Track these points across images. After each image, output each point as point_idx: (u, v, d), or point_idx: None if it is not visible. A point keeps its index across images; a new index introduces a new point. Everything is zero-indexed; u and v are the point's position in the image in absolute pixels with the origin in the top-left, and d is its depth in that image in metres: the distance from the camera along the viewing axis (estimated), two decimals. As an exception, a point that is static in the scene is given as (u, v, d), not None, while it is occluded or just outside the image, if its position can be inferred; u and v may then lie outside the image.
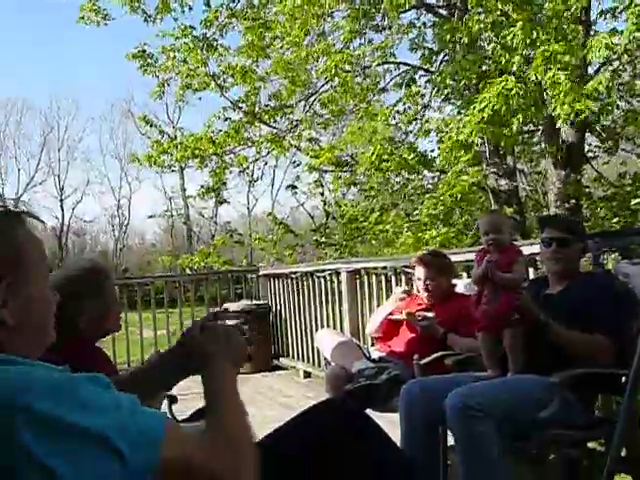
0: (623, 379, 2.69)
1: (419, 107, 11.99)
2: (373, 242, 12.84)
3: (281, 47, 11.49)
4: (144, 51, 12.13)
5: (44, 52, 47.74)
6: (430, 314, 3.93)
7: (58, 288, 1.51)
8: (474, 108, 8.39)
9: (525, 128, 11.23)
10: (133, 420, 1.19)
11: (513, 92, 7.96)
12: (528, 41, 7.97)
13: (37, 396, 1.12)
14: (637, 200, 8.14)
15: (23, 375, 1.18)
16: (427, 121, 10.76)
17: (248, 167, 13.37)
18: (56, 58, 48.80)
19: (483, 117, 8.18)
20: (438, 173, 11.16)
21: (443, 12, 11.01)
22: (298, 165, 14.02)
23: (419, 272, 4.12)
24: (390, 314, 4.19)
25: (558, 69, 7.73)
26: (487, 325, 3.04)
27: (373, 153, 10.36)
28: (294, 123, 12.51)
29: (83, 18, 11.67)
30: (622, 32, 8.09)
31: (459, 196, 9.65)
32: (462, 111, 9.78)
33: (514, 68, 8.39)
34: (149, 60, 12.13)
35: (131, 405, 1.23)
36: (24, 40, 46.50)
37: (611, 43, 7.78)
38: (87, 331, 2.35)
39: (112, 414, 1.18)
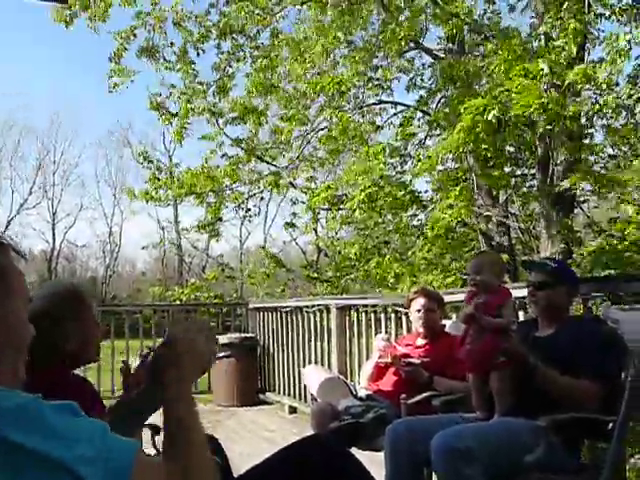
0: (610, 425, 2.67)
1: (414, 145, 12.11)
2: (364, 280, 12.86)
3: (284, 80, 11.67)
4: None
5: (46, 76, 48.00)
6: (415, 360, 3.93)
7: (36, 312, 1.50)
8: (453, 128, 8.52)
9: (518, 172, 11.37)
10: (102, 449, 1.19)
11: (488, 111, 8.04)
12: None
13: (3, 422, 1.13)
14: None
15: None
16: (419, 160, 10.84)
17: (244, 202, 13.42)
18: (58, 83, 48.99)
19: (464, 129, 8.27)
20: (430, 209, 11.22)
21: (441, 55, 11.16)
22: (295, 203, 14.11)
23: (419, 303, 4.12)
24: (378, 359, 4.16)
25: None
26: (471, 365, 3.04)
27: (362, 191, 10.45)
28: (292, 160, 12.61)
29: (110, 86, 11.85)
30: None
31: (445, 234, 9.71)
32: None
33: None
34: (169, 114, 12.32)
35: (101, 434, 1.22)
36: (33, 60, 46.91)
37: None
38: (67, 358, 2.29)
39: (80, 443, 1.17)
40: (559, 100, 7.87)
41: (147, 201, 13.07)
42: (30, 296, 1.51)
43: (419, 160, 10.76)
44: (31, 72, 47.80)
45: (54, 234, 36.12)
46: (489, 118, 7.97)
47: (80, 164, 43.21)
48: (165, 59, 11.94)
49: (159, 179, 13.06)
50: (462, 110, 8.37)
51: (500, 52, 8.53)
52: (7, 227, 33.38)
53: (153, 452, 2.62)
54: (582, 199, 10.39)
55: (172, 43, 11.87)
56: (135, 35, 11.55)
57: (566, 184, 8.70)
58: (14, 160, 35.99)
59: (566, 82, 7.79)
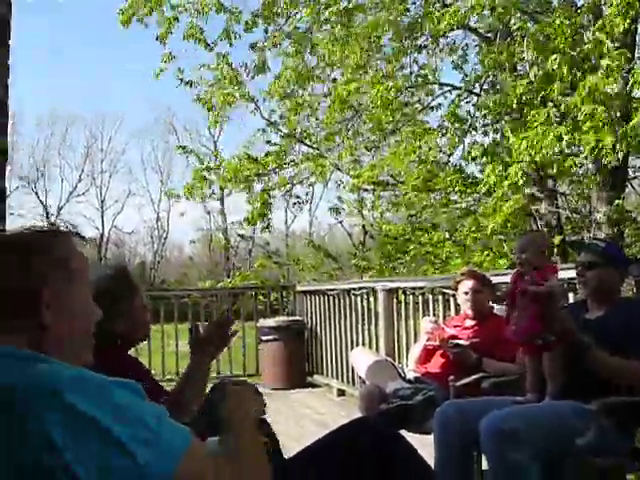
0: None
1: (464, 128, 11.96)
2: (413, 264, 12.81)
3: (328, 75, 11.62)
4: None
5: (91, 68, 48.63)
6: (463, 342, 3.91)
7: None
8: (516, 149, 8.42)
9: (567, 150, 11.15)
10: (158, 432, 1.23)
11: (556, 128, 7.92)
12: (565, 71, 7.92)
13: (68, 387, 1.19)
14: None
15: (57, 368, 1.25)
16: (473, 144, 10.70)
17: (292, 189, 13.40)
18: (103, 72, 49.68)
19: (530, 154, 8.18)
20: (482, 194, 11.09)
21: (488, 35, 10.98)
22: (339, 185, 14.04)
23: (466, 285, 4.10)
24: (426, 341, 4.15)
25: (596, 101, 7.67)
26: (519, 341, 3.02)
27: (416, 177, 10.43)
28: (337, 144, 12.55)
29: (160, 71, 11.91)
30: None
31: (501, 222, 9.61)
32: (507, 134, 9.73)
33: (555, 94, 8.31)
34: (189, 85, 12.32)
35: (159, 417, 1.27)
36: (72, 56, 47.56)
37: None
38: (120, 339, 2.37)
39: (137, 423, 1.22)
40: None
41: (190, 196, 13.13)
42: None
43: (473, 144, 10.66)
44: (73, 61, 48.48)
45: (103, 221, 36.82)
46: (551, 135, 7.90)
47: (127, 151, 43.97)
48: (207, 44, 11.92)
49: (204, 176, 13.07)
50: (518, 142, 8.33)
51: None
52: (58, 215, 34.14)
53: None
54: (634, 176, 10.17)
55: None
56: (178, 19, 11.57)
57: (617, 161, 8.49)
58: (62, 149, 36.76)
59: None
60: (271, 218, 13.36)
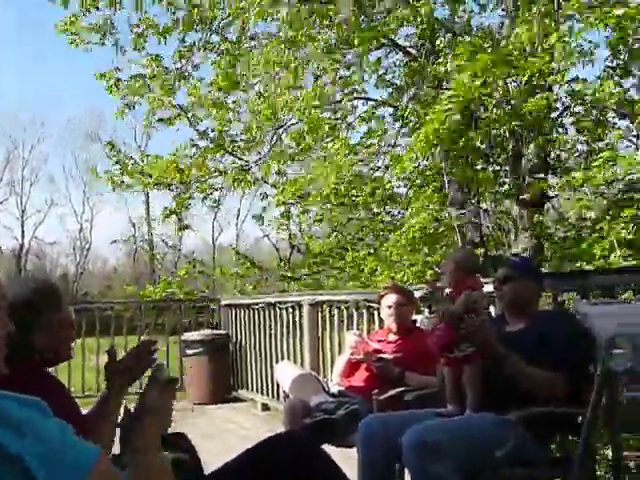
0: (579, 418, 2.70)
1: (383, 144, 12.13)
2: (339, 277, 12.89)
3: (253, 77, 11.58)
4: (117, 74, 12.07)
5: (15, 69, 47.31)
6: (386, 355, 3.94)
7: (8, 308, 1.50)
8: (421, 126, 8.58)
9: (490, 168, 11.44)
10: (61, 450, 1.18)
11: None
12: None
13: None
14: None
15: None
16: (392, 158, 10.88)
17: (212, 193, 13.34)
18: (26, 76, 48.38)
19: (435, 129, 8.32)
20: (404, 209, 11.24)
21: (412, 51, 11.17)
22: (265, 197, 14.01)
23: (390, 299, 4.13)
24: (350, 356, 4.17)
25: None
26: (437, 353, 3.07)
27: (333, 187, 10.51)
28: (262, 154, 12.54)
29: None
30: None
31: (421, 234, 9.77)
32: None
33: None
34: (117, 83, 12.04)
35: (62, 433, 1.22)
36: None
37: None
38: (39, 356, 2.27)
39: (40, 441, 1.17)
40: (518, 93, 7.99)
41: (113, 185, 12.90)
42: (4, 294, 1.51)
43: (392, 159, 10.81)
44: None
45: (23, 231, 35.77)
46: (458, 118, 8.03)
47: (49, 160, 42.74)
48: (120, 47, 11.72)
49: (127, 165, 12.86)
50: (425, 114, 8.46)
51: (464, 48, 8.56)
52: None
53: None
54: (552, 195, 10.48)
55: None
56: (89, 11, 11.28)
57: (534, 181, 8.79)
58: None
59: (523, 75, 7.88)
60: (186, 217, 13.33)
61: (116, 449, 2.44)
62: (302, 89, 11.10)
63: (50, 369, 2.46)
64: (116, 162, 12.87)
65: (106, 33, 11.49)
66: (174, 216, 13.56)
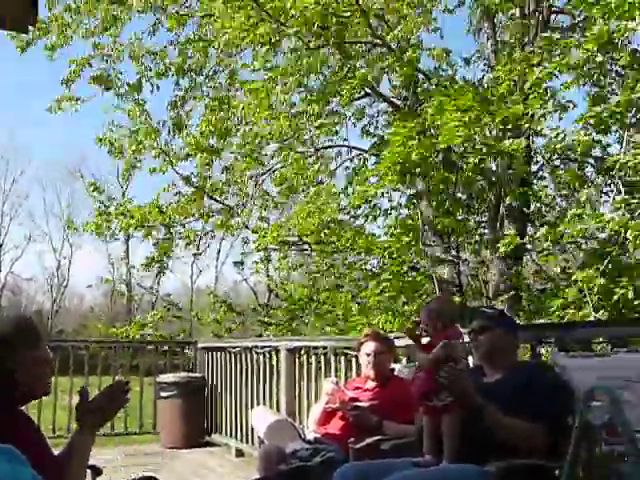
0: (557, 471, 2.69)
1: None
2: (317, 323, 12.84)
3: (239, 123, 11.69)
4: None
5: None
6: (363, 404, 3.92)
7: None
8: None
9: (470, 219, 11.55)
10: None
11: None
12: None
13: None
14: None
15: None
16: (374, 205, 11.00)
17: (195, 240, 13.31)
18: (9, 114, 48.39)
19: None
20: (385, 257, 11.29)
21: (396, 102, 11.34)
22: (246, 243, 14.02)
23: (369, 347, 4.12)
24: (326, 404, 4.14)
25: None
26: (416, 402, 3.06)
27: (313, 233, 10.58)
28: (244, 199, 12.59)
29: (54, 108, 11.67)
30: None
31: (398, 283, 9.83)
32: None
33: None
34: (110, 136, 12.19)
35: None
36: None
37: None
38: (15, 394, 2.24)
39: None
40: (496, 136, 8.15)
41: (94, 233, 12.87)
42: None
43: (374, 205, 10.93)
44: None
45: (0, 265, 35.38)
46: (413, 157, 8.20)
47: (30, 195, 42.51)
48: (118, 93, 11.90)
49: (109, 212, 12.87)
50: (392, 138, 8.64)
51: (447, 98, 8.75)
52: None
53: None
54: (530, 247, 10.58)
55: (120, 74, 11.81)
56: (90, 65, 11.51)
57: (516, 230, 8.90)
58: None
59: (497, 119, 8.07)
60: (167, 263, 13.27)
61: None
62: (285, 133, 11.20)
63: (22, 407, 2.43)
64: (99, 214, 12.85)
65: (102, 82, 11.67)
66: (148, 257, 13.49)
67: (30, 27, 2.61)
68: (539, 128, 8.61)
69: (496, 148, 8.39)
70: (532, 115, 8.18)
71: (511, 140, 8.32)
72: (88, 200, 16.40)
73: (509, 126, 8.55)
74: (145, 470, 3.01)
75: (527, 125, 8.42)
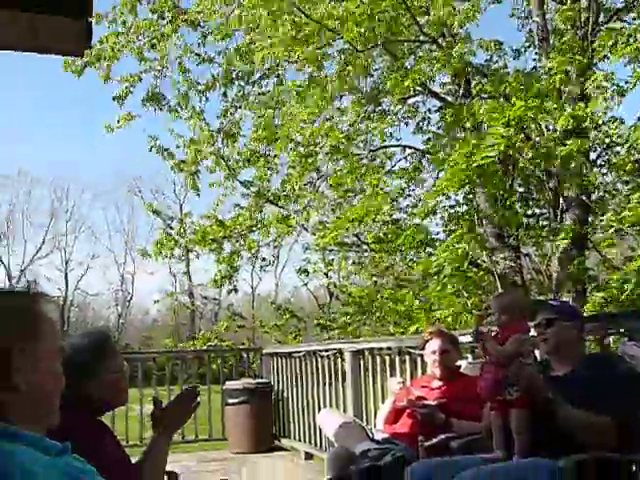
0: (633, 466, 2.64)
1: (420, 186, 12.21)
2: (377, 324, 12.83)
3: (289, 127, 11.76)
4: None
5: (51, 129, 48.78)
6: (430, 402, 3.89)
7: (64, 361, 1.53)
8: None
9: (529, 212, 11.39)
10: None
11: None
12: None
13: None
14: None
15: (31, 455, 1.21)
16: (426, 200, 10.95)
17: (258, 251, 13.39)
18: (63, 132, 49.82)
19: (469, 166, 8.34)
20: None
21: (448, 98, 11.27)
22: (307, 248, 14.07)
23: (434, 344, 4.10)
24: (393, 404, 4.14)
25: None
26: (484, 398, 3.04)
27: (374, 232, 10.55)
28: (303, 205, 12.64)
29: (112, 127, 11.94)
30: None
31: (459, 272, 9.72)
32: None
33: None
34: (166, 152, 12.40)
35: None
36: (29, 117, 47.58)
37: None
38: (94, 405, 2.32)
39: None
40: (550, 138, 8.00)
41: (161, 258, 13.05)
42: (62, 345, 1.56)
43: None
44: (32, 122, 48.49)
45: (67, 283, 36.39)
46: (480, 161, 8.06)
47: (92, 213, 43.64)
48: (170, 107, 12.09)
49: (171, 234, 13.06)
50: (455, 153, 8.50)
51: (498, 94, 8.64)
52: (20, 277, 33.69)
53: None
54: (596, 237, 10.38)
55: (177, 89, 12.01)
56: (141, 79, 11.74)
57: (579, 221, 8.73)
58: (26, 210, 36.51)
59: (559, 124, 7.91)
60: (237, 281, 13.33)
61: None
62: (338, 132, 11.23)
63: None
64: (167, 235, 13.03)
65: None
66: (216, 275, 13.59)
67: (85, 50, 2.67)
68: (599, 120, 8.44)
69: (553, 152, 8.22)
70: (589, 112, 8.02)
71: (571, 141, 8.14)
72: (147, 215, 16.72)
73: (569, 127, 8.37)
74: (217, 475, 3.06)
75: (588, 123, 8.24)
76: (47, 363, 1.42)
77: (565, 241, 8.49)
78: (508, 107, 8.09)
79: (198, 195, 12.77)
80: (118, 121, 11.78)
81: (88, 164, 49.19)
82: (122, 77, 11.65)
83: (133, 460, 2.41)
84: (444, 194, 9.08)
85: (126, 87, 11.63)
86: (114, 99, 11.69)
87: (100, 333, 2.53)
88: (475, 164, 8.12)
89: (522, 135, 8.24)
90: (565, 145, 8.21)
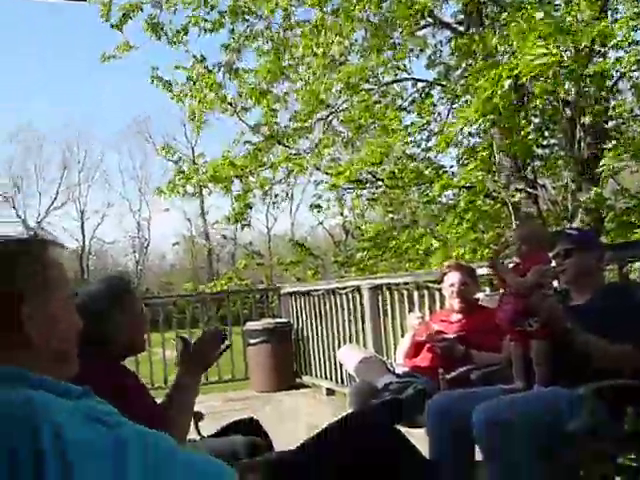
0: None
1: (435, 120, 12.03)
2: (394, 260, 12.86)
3: (298, 64, 11.57)
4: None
5: (58, 82, 48.46)
6: (450, 335, 3.91)
7: (81, 308, 1.53)
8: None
9: (544, 142, 11.24)
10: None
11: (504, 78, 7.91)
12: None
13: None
14: None
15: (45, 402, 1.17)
16: (440, 131, 10.78)
17: (271, 188, 13.35)
18: (71, 84, 49.47)
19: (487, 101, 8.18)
20: (458, 190, 11.12)
21: (460, 28, 11.03)
22: (318, 184, 13.97)
23: (452, 277, 4.10)
24: (412, 338, 4.16)
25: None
26: (506, 331, 3.05)
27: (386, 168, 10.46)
28: (314, 143, 12.53)
29: (108, 57, 11.72)
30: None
31: (474, 206, 9.67)
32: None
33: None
34: (166, 83, 12.18)
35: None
36: (38, 70, 47.27)
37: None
38: (114, 351, 2.33)
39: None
40: (577, 58, 7.79)
41: (175, 195, 13.09)
42: (75, 291, 1.54)
43: (440, 131, 10.70)
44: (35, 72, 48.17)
45: (83, 232, 36.66)
46: (505, 86, 7.86)
47: (104, 162, 43.69)
48: (170, 41, 11.85)
49: (184, 172, 13.05)
50: (477, 82, 8.30)
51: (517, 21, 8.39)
52: (37, 231, 33.95)
53: (197, 437, 2.67)
54: (612, 166, 10.27)
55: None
56: (142, 9, 11.45)
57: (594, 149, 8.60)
58: (39, 163, 36.58)
59: (583, 42, 7.68)
60: (251, 216, 13.38)
61: (191, 435, 2.50)
62: (350, 72, 11.05)
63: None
64: (179, 171, 13.03)
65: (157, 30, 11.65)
66: (230, 212, 13.62)
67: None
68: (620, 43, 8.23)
69: (577, 73, 8.03)
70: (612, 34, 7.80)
71: (597, 60, 7.95)
72: (159, 159, 16.69)
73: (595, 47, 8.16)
74: (242, 414, 3.10)
75: (612, 43, 8.04)
76: (59, 311, 1.39)
77: (581, 170, 8.39)
78: (539, 22, 7.87)
79: (198, 132, 12.65)
80: (117, 49, 11.53)
81: (98, 113, 49.16)
82: (120, 6, 11.36)
83: (159, 402, 2.43)
84: (468, 122, 8.88)
85: (124, 14, 11.35)
86: (112, 27, 11.42)
87: (118, 279, 2.51)
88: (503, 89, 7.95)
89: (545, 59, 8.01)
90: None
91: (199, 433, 2.72)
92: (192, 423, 2.48)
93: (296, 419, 6.21)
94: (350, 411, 2.40)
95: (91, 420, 1.18)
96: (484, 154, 9.97)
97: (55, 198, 36.37)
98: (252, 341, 7.94)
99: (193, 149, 31.98)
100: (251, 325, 8.11)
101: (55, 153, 38.22)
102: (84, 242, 36.47)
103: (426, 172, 11.07)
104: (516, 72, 7.73)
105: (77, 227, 36.55)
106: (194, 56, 11.94)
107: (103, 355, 2.23)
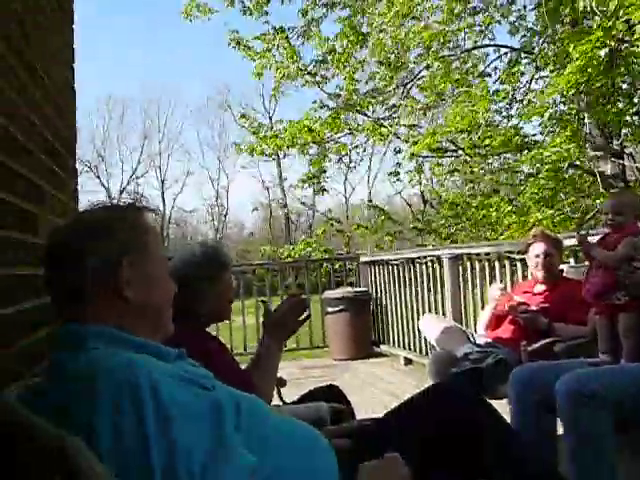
0: None
1: (519, 90, 11.72)
2: (473, 229, 12.70)
3: (380, 31, 11.44)
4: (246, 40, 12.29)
5: (139, 52, 49.18)
6: (533, 307, 3.85)
7: (174, 274, 1.57)
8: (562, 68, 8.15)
9: (632, 110, 10.83)
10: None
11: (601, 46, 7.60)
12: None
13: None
14: None
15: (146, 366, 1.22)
16: (529, 102, 10.49)
17: (347, 154, 13.34)
18: (151, 55, 50.22)
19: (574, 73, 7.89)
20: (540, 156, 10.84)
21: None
22: (398, 152, 13.83)
23: (537, 248, 4.01)
24: (494, 309, 4.12)
25: None
26: (592, 304, 2.99)
27: (469, 133, 10.26)
28: (392, 110, 12.42)
29: (187, 15, 11.89)
30: None
31: (556, 173, 9.41)
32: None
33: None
34: (247, 48, 12.25)
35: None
36: (119, 40, 48.08)
37: None
38: (202, 317, 2.37)
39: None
40: None
41: (252, 155, 13.27)
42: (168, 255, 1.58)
43: (529, 102, 10.42)
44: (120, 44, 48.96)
45: (164, 201, 37.48)
46: (601, 55, 7.58)
47: (184, 131, 44.33)
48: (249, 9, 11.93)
49: (263, 134, 13.18)
50: (572, 49, 8.01)
51: None
52: (120, 198, 34.90)
53: (280, 403, 2.71)
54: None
55: None
56: None
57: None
58: (120, 133, 37.47)
59: None
60: (326, 180, 13.46)
61: (274, 401, 2.54)
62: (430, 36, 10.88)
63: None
64: (253, 132, 13.19)
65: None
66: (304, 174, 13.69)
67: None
68: None
69: None
70: None
71: None
72: (238, 129, 16.84)
73: None
74: (321, 381, 3.15)
75: None
76: (156, 274, 1.43)
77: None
78: None
79: (275, 98, 12.73)
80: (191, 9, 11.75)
81: (178, 84, 49.80)
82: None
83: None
84: (560, 91, 8.62)
85: None
86: None
87: (217, 245, 2.53)
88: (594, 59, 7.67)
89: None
90: None
91: (282, 399, 2.75)
92: (274, 389, 2.52)
93: (375, 387, 6.24)
94: (425, 384, 2.38)
95: (188, 382, 1.23)
96: (572, 125, 9.65)
97: (137, 167, 37.26)
98: (330, 309, 8.00)
99: (271, 118, 32.14)
100: (329, 293, 8.16)
101: (136, 122, 39.02)
102: (164, 210, 37.29)
103: (508, 139, 10.81)
104: (614, 32, 7.43)
105: (158, 196, 37.41)
106: (274, 27, 11.98)
107: (191, 321, 2.26)
